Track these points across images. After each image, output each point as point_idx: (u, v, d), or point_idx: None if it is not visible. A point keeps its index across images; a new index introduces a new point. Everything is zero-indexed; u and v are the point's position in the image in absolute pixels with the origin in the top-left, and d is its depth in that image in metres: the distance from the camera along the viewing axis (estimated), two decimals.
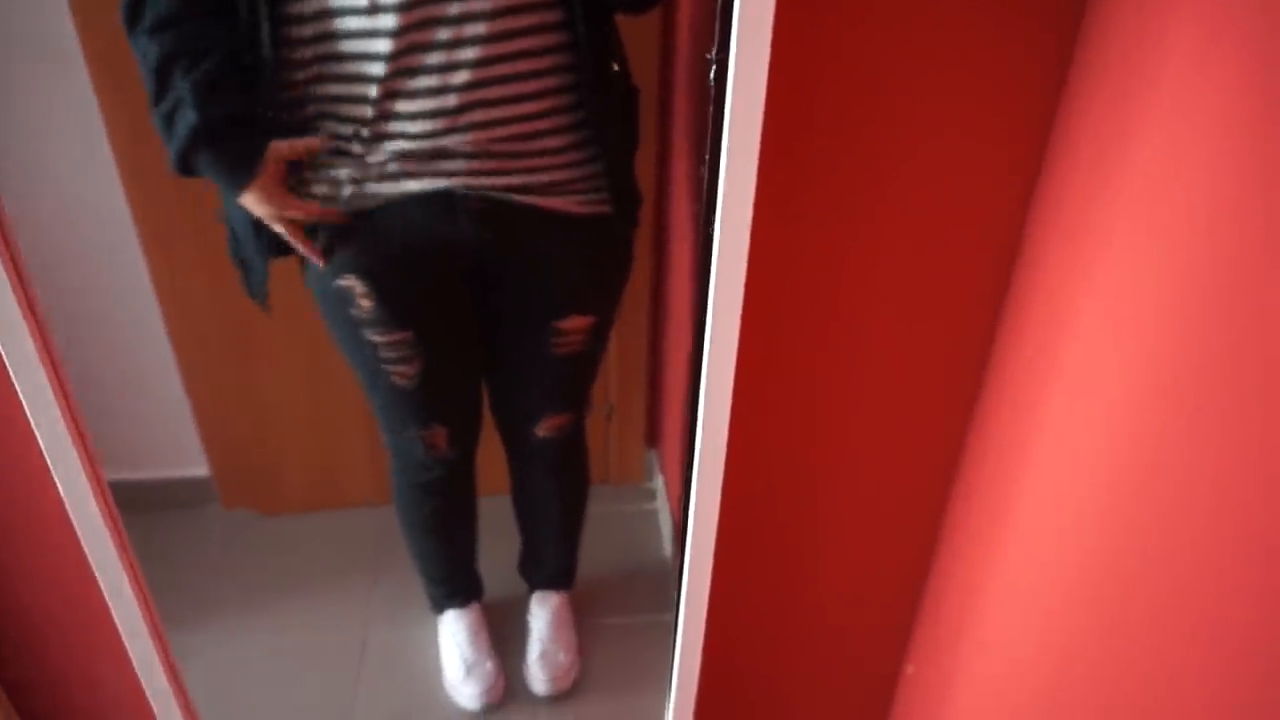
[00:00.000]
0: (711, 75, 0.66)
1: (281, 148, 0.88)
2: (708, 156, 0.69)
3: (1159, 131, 0.64)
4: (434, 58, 0.84)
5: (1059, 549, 0.80)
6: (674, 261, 1.39)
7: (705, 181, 0.69)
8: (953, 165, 0.79)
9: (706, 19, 0.97)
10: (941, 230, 0.82)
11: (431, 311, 1.02)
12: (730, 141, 0.66)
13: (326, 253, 0.96)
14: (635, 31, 0.98)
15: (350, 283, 0.98)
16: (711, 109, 0.67)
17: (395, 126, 0.88)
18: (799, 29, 0.68)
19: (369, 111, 0.87)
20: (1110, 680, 0.72)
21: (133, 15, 0.85)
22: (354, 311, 1.00)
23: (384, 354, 1.04)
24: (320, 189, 0.92)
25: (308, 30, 0.85)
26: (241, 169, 0.88)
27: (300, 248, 0.94)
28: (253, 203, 0.89)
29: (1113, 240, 0.70)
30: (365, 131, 0.88)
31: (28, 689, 1.01)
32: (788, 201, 0.78)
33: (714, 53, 0.65)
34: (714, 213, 0.69)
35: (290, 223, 0.92)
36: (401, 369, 1.06)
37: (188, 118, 0.85)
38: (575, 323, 1.09)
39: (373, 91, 0.86)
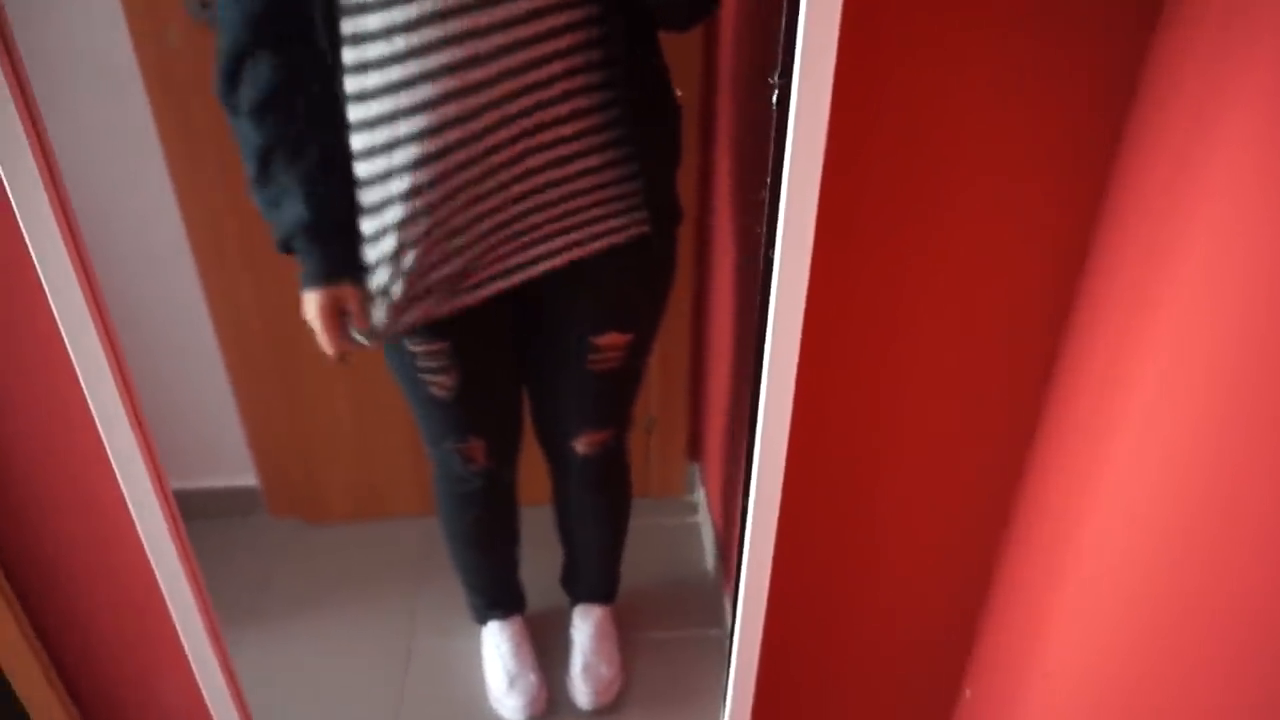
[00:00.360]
0: (774, 100, 0.66)
1: (352, 296, 0.94)
2: (769, 179, 0.69)
3: (1236, 143, 0.63)
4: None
5: (1128, 576, 0.78)
6: (716, 275, 1.39)
7: (766, 205, 0.70)
8: (1017, 183, 0.78)
9: (755, 35, 0.98)
10: (1003, 249, 0.81)
11: (469, 324, 1.03)
12: (792, 168, 0.66)
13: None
14: (676, 46, 0.98)
15: None
16: (774, 133, 0.67)
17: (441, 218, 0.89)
18: (860, 51, 0.68)
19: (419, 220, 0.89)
20: (1180, 714, 0.71)
21: (229, 87, 0.88)
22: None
23: (422, 363, 1.05)
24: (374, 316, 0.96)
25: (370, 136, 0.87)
26: (329, 272, 0.93)
27: (327, 346, 0.98)
28: (311, 304, 0.95)
29: (1184, 259, 0.69)
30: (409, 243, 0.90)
31: (90, 693, 1.03)
32: (847, 219, 0.78)
33: (776, 77, 0.65)
34: (775, 237, 0.69)
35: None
36: (439, 379, 1.07)
37: (298, 211, 0.90)
38: (613, 339, 1.08)
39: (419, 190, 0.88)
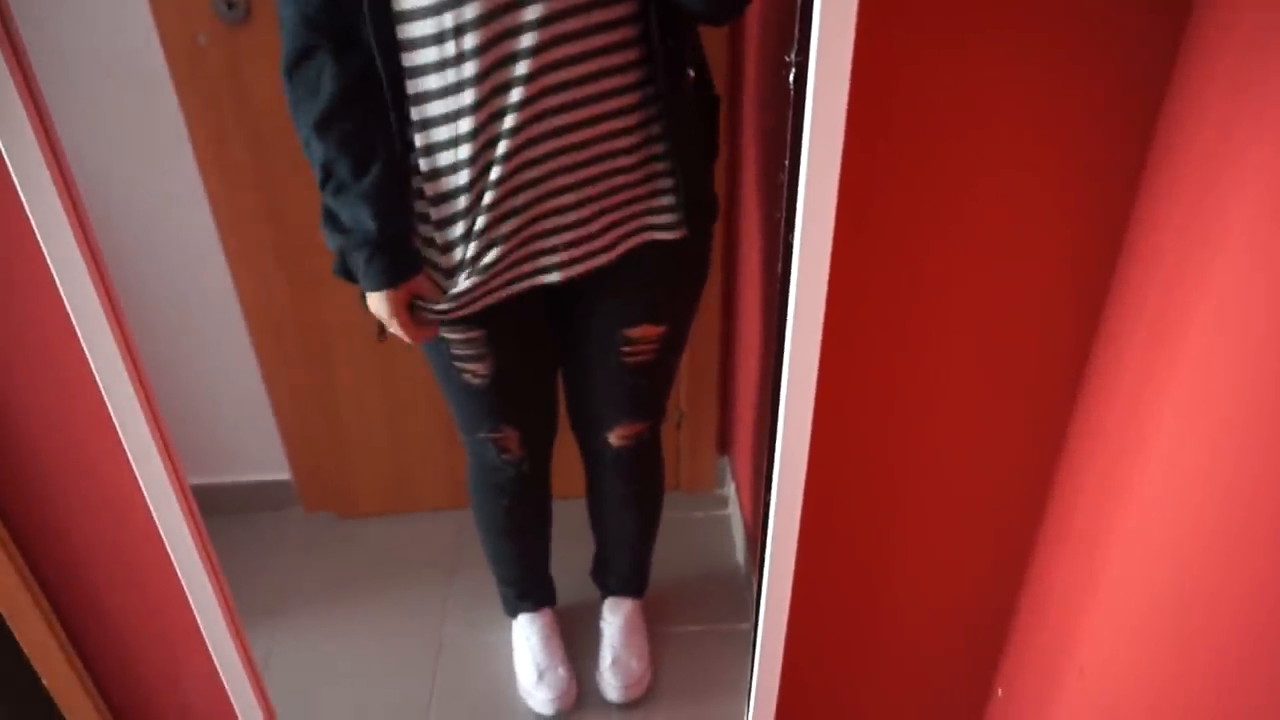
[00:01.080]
0: (791, 79, 0.65)
1: (421, 286, 0.96)
2: (787, 162, 0.67)
3: (1269, 141, 0.61)
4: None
5: (1163, 574, 0.76)
6: (745, 268, 1.38)
7: (785, 187, 0.68)
8: (1046, 169, 0.76)
9: (780, 20, 0.97)
10: (1030, 244, 0.79)
11: (504, 313, 1.03)
12: (811, 146, 0.64)
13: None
14: (705, 35, 0.98)
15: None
16: (791, 113, 0.66)
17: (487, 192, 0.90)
18: (879, 30, 0.67)
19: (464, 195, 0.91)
20: (1215, 713, 0.68)
21: (289, 85, 0.89)
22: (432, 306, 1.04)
23: (457, 351, 1.06)
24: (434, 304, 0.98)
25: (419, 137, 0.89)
26: (399, 275, 0.95)
27: (403, 335, 0.99)
28: (381, 304, 0.96)
29: (1220, 252, 0.67)
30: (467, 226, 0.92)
31: (116, 685, 1.05)
32: (867, 211, 0.76)
33: (793, 55, 0.64)
34: (794, 219, 0.68)
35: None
36: (474, 367, 1.07)
37: (364, 224, 0.92)
38: (646, 331, 1.08)
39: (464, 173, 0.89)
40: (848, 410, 0.88)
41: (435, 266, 0.97)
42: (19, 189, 0.67)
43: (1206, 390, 0.69)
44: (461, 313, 0.98)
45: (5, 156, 0.66)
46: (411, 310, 0.98)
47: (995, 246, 0.80)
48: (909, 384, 0.88)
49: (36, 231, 0.69)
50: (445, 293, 0.97)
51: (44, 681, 0.97)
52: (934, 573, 1.02)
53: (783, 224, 0.70)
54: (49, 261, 0.70)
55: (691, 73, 0.92)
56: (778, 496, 0.83)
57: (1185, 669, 0.73)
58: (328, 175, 0.90)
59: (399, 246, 0.94)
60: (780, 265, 0.73)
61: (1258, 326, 0.62)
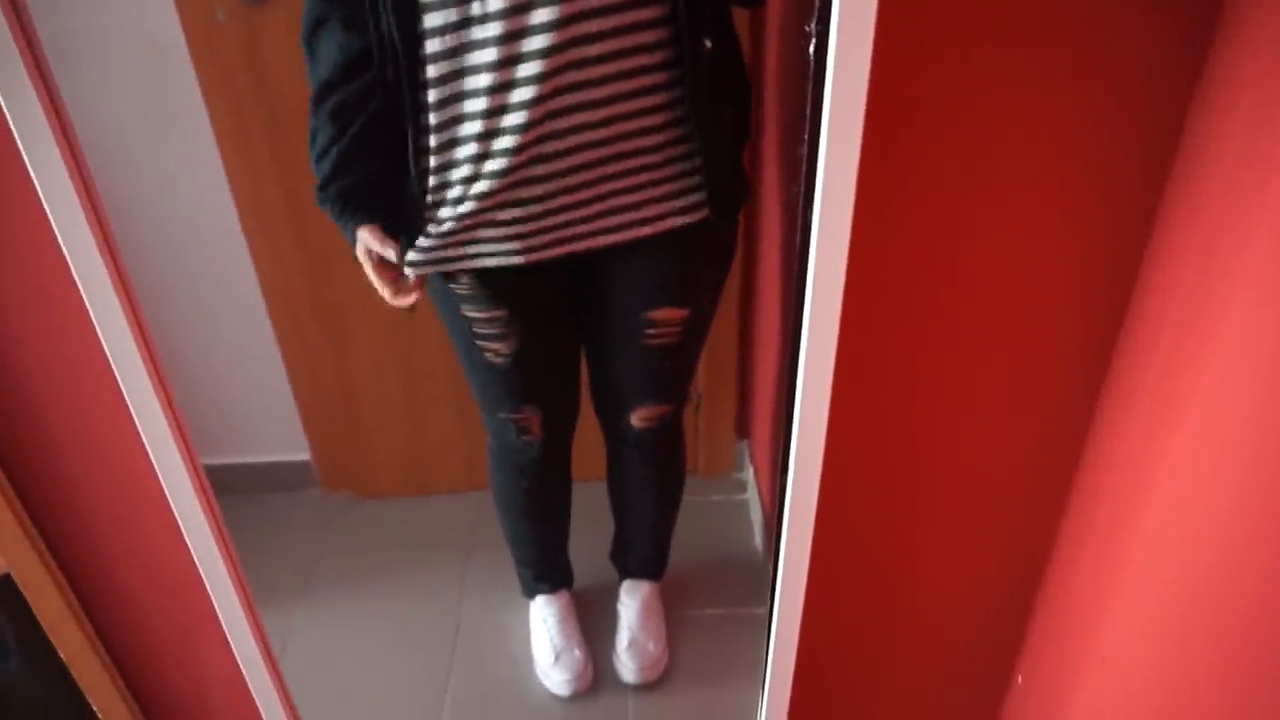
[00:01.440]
0: (811, 49, 0.63)
1: (371, 241, 0.99)
2: (806, 135, 0.66)
3: None
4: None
5: (1188, 562, 0.74)
6: (764, 250, 1.36)
7: (804, 161, 0.67)
8: (1074, 155, 0.73)
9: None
10: (1056, 225, 0.77)
11: (526, 293, 1.03)
12: (831, 118, 0.62)
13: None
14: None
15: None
16: (810, 85, 0.64)
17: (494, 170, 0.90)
18: (900, 28, 0.65)
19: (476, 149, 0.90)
20: (1234, 702, 0.67)
21: (308, 54, 0.92)
22: (454, 286, 1.04)
23: (479, 330, 1.06)
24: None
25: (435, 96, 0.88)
26: (346, 229, 1.00)
27: (384, 290, 1.01)
28: (359, 252, 1.00)
29: (1250, 245, 0.65)
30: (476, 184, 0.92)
31: (134, 666, 1.06)
32: (890, 192, 0.74)
33: (813, 24, 0.62)
34: (813, 194, 0.66)
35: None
36: (496, 346, 1.07)
37: (324, 178, 0.97)
38: (668, 314, 1.07)
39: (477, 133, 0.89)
40: (866, 394, 0.86)
41: (425, 209, 0.96)
42: (30, 170, 0.67)
43: (1234, 379, 0.67)
44: (448, 256, 0.98)
45: (14, 129, 0.66)
46: (397, 266, 0.99)
47: (1020, 230, 0.78)
48: (928, 369, 0.86)
49: (48, 211, 0.69)
50: (406, 243, 0.97)
51: (60, 654, 0.98)
52: (953, 559, 1.00)
53: (801, 199, 0.69)
54: (60, 242, 0.70)
55: (709, 43, 0.90)
56: (794, 481, 0.81)
57: (1210, 658, 0.71)
58: (313, 141, 0.95)
59: (350, 194, 0.97)
60: (799, 240, 0.72)
61: None
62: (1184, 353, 0.74)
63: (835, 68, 0.61)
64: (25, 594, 0.92)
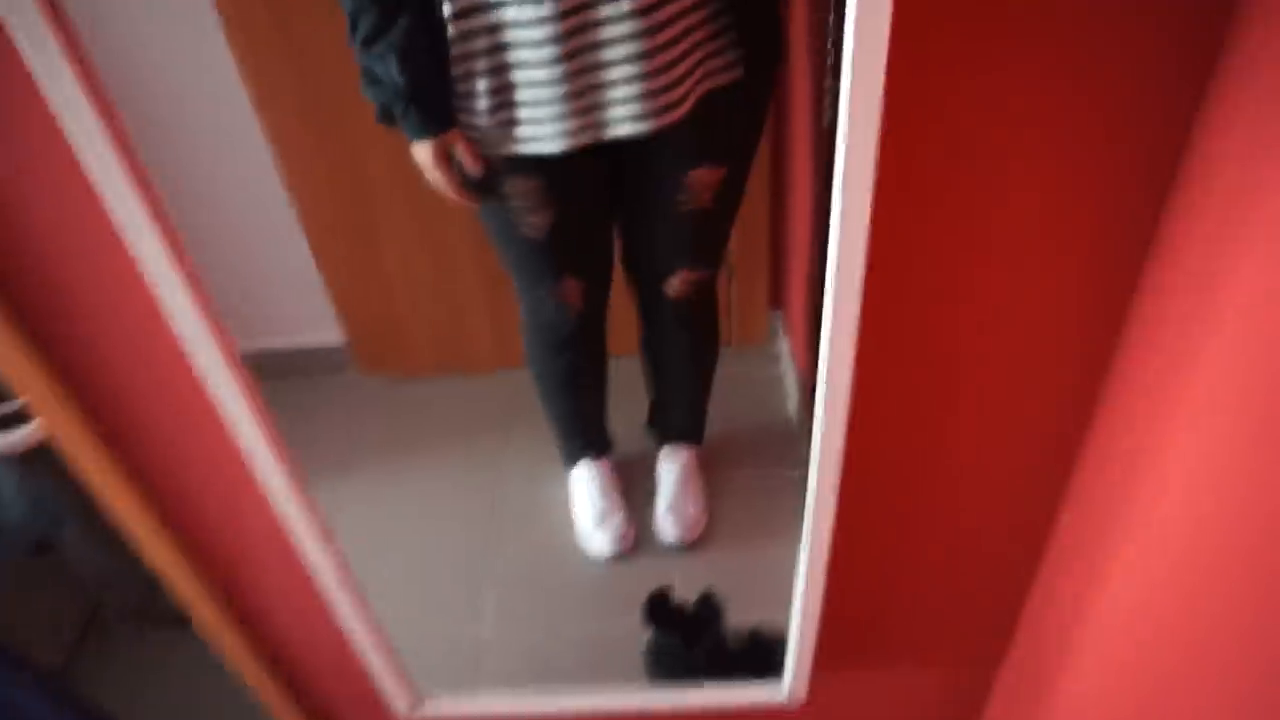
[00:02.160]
0: None
1: (459, 139, 0.96)
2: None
3: None
4: None
5: (1199, 544, 0.76)
6: (794, 112, 1.31)
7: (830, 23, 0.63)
8: (1080, 153, 0.73)
9: None
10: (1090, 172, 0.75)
11: (561, 162, 1.01)
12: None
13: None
14: None
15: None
16: None
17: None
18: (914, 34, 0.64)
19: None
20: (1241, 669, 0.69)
21: None
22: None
23: (515, 204, 1.05)
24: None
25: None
26: (428, 130, 0.96)
27: (450, 191, 1.00)
28: (423, 152, 0.97)
29: (1256, 237, 0.64)
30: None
31: (186, 533, 1.11)
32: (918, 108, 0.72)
33: None
34: (840, 63, 0.63)
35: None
36: (532, 219, 1.07)
37: (394, 77, 0.91)
38: (703, 176, 1.05)
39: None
40: (904, 260, 0.85)
41: (471, 116, 0.95)
42: (41, 86, 0.66)
43: (1239, 370, 0.69)
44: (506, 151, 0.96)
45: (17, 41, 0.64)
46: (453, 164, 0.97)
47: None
48: (969, 237, 0.85)
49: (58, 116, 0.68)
50: (479, 158, 0.96)
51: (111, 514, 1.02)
52: (987, 429, 1.01)
53: (829, 61, 0.66)
54: (78, 155, 0.69)
55: None
56: (831, 334, 0.82)
57: (1213, 626, 0.74)
58: (354, 26, 0.89)
59: (433, 98, 0.93)
60: (829, 107, 0.70)
61: None
62: (1189, 344, 0.75)
63: None
64: (73, 460, 0.96)
